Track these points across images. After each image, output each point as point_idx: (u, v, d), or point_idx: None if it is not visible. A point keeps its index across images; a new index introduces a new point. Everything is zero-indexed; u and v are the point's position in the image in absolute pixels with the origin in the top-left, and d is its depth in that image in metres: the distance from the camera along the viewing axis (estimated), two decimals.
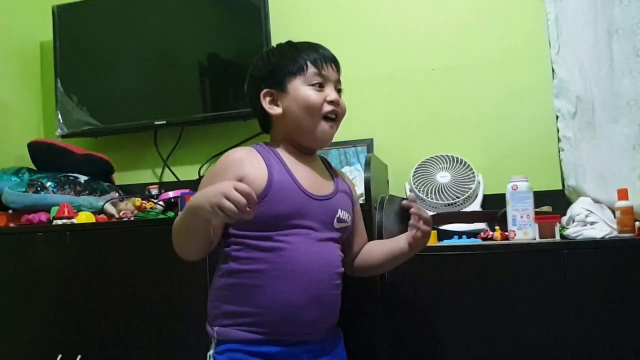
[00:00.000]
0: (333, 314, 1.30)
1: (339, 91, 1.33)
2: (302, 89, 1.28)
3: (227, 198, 1.05)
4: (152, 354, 1.68)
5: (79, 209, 1.92)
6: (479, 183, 1.88)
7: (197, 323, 1.44)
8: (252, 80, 1.36)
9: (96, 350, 1.73)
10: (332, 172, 1.39)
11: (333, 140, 2.02)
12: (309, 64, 1.29)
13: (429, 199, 1.83)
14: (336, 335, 1.35)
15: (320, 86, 1.29)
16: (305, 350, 1.24)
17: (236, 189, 1.06)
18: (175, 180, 2.27)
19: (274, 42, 2.06)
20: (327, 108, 1.29)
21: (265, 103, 1.31)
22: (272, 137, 1.37)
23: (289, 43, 1.35)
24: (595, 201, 1.70)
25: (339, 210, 1.31)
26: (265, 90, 1.31)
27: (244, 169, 1.23)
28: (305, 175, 1.29)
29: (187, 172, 2.27)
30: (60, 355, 1.74)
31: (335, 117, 1.31)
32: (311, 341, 1.25)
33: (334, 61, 1.33)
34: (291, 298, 1.21)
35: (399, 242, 1.34)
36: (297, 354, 1.23)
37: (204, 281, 1.58)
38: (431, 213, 1.80)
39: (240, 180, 1.19)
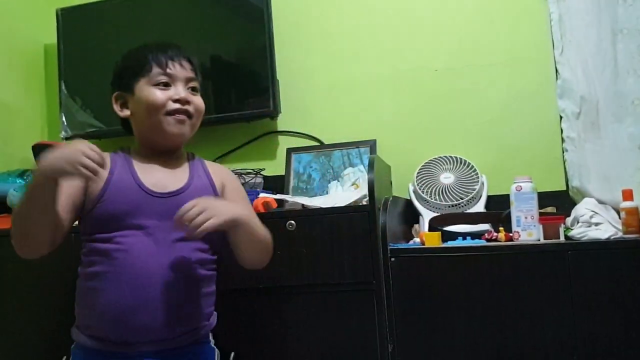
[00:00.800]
0: (176, 321, 1.22)
1: (192, 89, 1.31)
2: (145, 89, 1.27)
3: (86, 156, 1.06)
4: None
5: None
6: (482, 184, 1.87)
7: None
8: (110, 83, 1.37)
9: None
10: (193, 169, 1.35)
11: (336, 142, 2.07)
12: (153, 63, 1.28)
13: (432, 200, 1.83)
14: (195, 351, 1.27)
15: (166, 85, 1.27)
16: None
17: (89, 148, 1.08)
18: None
19: (277, 44, 2.09)
20: (173, 106, 1.27)
21: (117, 106, 1.33)
22: (134, 140, 1.38)
23: (141, 46, 1.34)
24: (600, 202, 1.69)
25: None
26: (115, 94, 1.33)
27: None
28: (151, 174, 1.28)
29: None
30: (64, 357, 1.75)
31: (186, 115, 1.29)
32: (150, 353, 1.20)
33: (183, 59, 1.30)
34: (122, 301, 1.18)
35: None
36: None
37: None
38: (435, 214, 1.80)
39: (84, 185, 1.24)
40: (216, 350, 1.34)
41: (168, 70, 1.27)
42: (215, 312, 1.36)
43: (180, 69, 1.29)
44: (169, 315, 1.20)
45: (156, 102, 1.26)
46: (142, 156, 1.32)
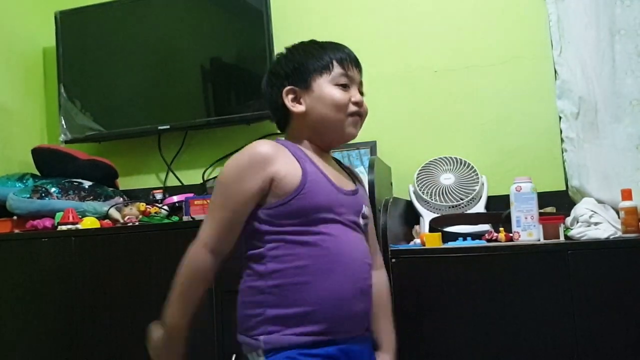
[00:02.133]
0: (370, 306, 1.26)
1: (361, 94, 1.31)
2: (327, 88, 1.25)
3: None
4: None
5: (83, 214, 1.93)
6: (482, 184, 1.88)
7: (204, 328, 1.44)
8: (273, 77, 1.31)
9: (102, 355, 1.74)
10: (346, 170, 1.37)
11: None
12: (335, 63, 1.27)
13: (433, 201, 1.84)
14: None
15: (345, 87, 1.27)
16: (362, 349, 1.22)
17: None
18: (180, 184, 2.27)
19: (277, 46, 2.09)
20: (352, 108, 1.27)
21: (288, 101, 1.26)
22: (290, 135, 1.30)
23: (314, 41, 1.33)
24: (599, 201, 1.70)
25: (364, 206, 1.30)
26: (288, 88, 1.26)
27: (274, 164, 1.18)
28: (329, 171, 1.26)
29: (191, 177, 2.27)
30: None
31: (360, 117, 1.30)
32: (361, 339, 1.22)
33: (357, 63, 1.32)
34: (342, 290, 1.16)
35: (378, 341, 1.31)
36: (355, 352, 1.19)
37: (209, 286, 1.58)
38: (436, 215, 1.81)
39: (271, 179, 1.17)
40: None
41: (349, 73, 1.28)
42: None
43: (356, 72, 1.30)
44: (370, 302, 1.24)
45: (341, 101, 1.25)
46: (312, 152, 1.28)
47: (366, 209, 1.30)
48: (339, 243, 1.19)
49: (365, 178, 1.84)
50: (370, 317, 1.25)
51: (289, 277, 1.16)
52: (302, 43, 1.32)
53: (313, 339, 1.14)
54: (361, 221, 1.27)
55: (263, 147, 1.21)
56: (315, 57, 1.27)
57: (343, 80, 1.26)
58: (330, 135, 1.28)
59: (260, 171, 1.17)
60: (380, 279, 1.34)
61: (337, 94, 1.25)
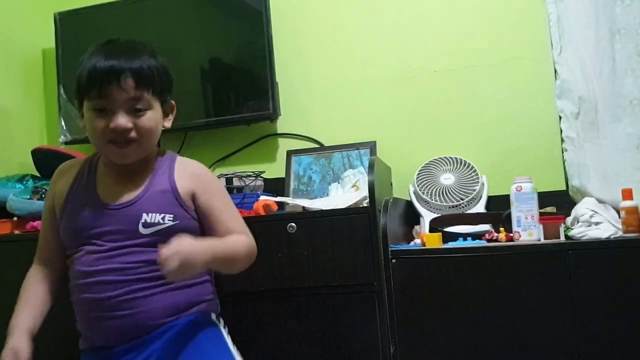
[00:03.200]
0: (142, 316, 1.22)
1: (136, 110, 1.21)
2: (87, 113, 1.23)
3: None
4: None
5: None
6: (483, 184, 1.88)
7: None
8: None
9: None
10: (156, 174, 1.30)
11: (336, 143, 2.07)
12: (90, 85, 1.19)
13: (433, 201, 1.83)
14: (177, 327, 1.24)
15: (103, 111, 1.20)
16: (128, 349, 1.22)
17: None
18: None
19: (276, 46, 2.09)
20: (110, 135, 1.21)
21: (79, 117, 1.30)
22: None
23: (94, 50, 1.24)
24: (600, 201, 1.70)
25: (144, 214, 1.23)
26: (76, 102, 1.29)
27: (55, 186, 1.32)
28: (110, 184, 1.28)
29: None
30: None
31: (126, 141, 1.22)
32: (132, 343, 1.23)
33: (125, 77, 1.19)
34: (87, 310, 1.24)
35: None
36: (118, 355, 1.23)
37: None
38: (436, 215, 1.81)
39: (53, 196, 1.32)
40: (218, 324, 1.32)
41: (105, 94, 1.19)
42: (206, 302, 1.32)
43: (117, 92, 1.19)
44: (134, 315, 1.21)
45: (94, 131, 1.23)
46: (105, 165, 1.32)
47: (152, 217, 1.23)
48: (80, 267, 1.24)
49: (365, 178, 1.84)
50: (144, 322, 1.22)
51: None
52: (90, 50, 1.25)
53: (89, 345, 1.28)
54: (144, 230, 1.23)
55: (59, 167, 1.36)
56: (80, 74, 1.22)
57: (99, 105, 1.20)
58: (104, 156, 1.31)
59: (50, 190, 1.34)
60: (239, 236, 1.29)
61: (92, 121, 1.22)
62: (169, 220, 1.24)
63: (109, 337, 1.23)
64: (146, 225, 1.23)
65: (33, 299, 1.30)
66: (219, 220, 1.31)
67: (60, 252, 1.31)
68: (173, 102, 1.35)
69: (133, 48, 1.25)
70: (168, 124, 1.33)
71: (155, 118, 1.26)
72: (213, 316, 1.33)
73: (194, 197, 1.30)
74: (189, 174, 1.32)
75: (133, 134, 1.22)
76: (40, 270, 1.34)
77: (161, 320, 1.23)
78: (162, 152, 1.36)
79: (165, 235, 1.20)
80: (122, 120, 1.20)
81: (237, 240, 1.28)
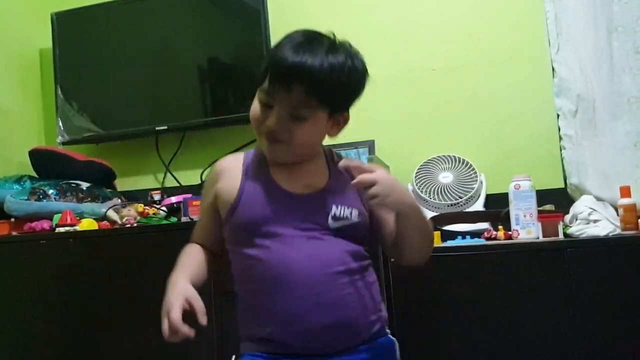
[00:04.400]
0: (349, 317, 1.11)
1: (296, 117, 1.11)
2: (256, 98, 1.16)
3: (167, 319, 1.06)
4: (155, 359, 1.68)
5: (81, 216, 1.92)
6: (481, 183, 1.88)
7: (204, 329, 1.43)
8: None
9: (101, 357, 1.73)
10: (332, 166, 1.22)
11: (334, 142, 2.06)
12: (267, 77, 1.12)
13: (431, 200, 1.83)
14: (374, 348, 1.15)
15: (268, 106, 1.13)
16: None
17: (169, 319, 1.04)
18: (178, 185, 2.27)
19: (274, 45, 2.08)
20: (265, 129, 1.14)
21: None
22: None
23: (285, 38, 1.14)
24: (598, 199, 1.70)
25: (334, 206, 1.14)
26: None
27: (218, 183, 1.20)
28: (286, 175, 1.18)
29: (189, 177, 2.26)
30: None
31: (277, 140, 1.14)
32: (333, 354, 1.11)
33: (296, 81, 1.09)
34: (292, 307, 1.09)
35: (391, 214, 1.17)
36: None
37: (209, 286, 1.58)
38: (434, 214, 1.80)
39: (214, 196, 1.20)
40: (395, 341, 1.23)
41: (273, 92, 1.11)
42: (383, 304, 1.24)
43: (283, 94, 1.10)
44: (341, 314, 1.10)
45: (254, 121, 1.16)
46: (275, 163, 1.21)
47: (341, 209, 1.15)
48: (283, 256, 1.11)
49: None
50: (350, 325, 1.11)
51: (245, 300, 1.18)
52: (283, 38, 1.15)
53: (270, 348, 1.12)
54: (333, 224, 1.14)
55: (217, 165, 1.25)
56: (265, 61, 1.15)
57: (264, 99, 1.13)
58: None
59: (210, 190, 1.22)
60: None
61: (255, 108, 1.15)
62: (355, 216, 1.15)
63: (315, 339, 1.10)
64: (335, 218, 1.14)
65: (192, 264, 1.20)
66: (387, 219, 1.19)
67: (219, 237, 1.21)
68: (348, 114, 1.22)
69: (328, 46, 1.13)
70: (334, 133, 1.21)
71: (313, 131, 1.15)
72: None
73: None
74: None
75: (285, 137, 1.13)
76: (197, 246, 1.25)
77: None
78: (328, 149, 1.28)
79: (347, 232, 1.14)
80: (273, 121, 1.12)
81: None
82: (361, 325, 1.13)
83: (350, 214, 1.15)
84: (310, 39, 1.12)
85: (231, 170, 1.21)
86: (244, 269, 1.16)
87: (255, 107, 1.15)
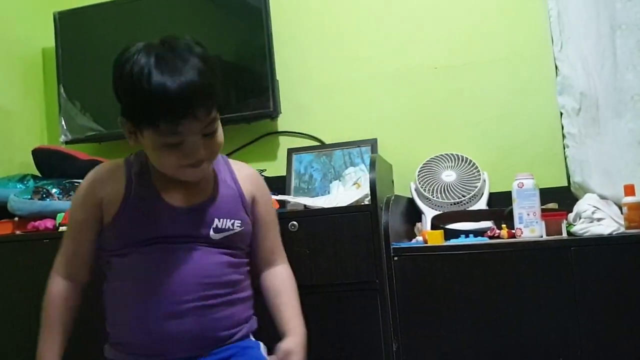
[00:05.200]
0: (211, 327, 1.17)
1: (209, 134, 1.13)
2: (155, 146, 1.12)
3: None
4: None
5: None
6: (484, 181, 1.87)
7: None
8: (114, 89, 1.19)
9: (102, 356, 1.73)
10: (219, 177, 1.26)
11: (337, 141, 2.07)
12: (161, 120, 1.07)
13: (434, 198, 1.83)
14: (233, 351, 1.20)
15: (177, 145, 1.11)
16: None
17: None
18: None
19: (276, 44, 2.08)
20: (185, 164, 1.14)
21: (125, 130, 1.18)
22: None
23: (142, 76, 1.07)
24: (602, 197, 1.69)
25: (216, 219, 1.21)
26: (120, 118, 1.18)
27: (102, 191, 1.21)
28: (172, 188, 1.20)
29: None
30: None
31: (200, 164, 1.16)
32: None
33: (198, 107, 1.08)
34: (149, 316, 1.15)
35: (284, 330, 1.26)
36: None
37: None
38: (437, 212, 1.80)
39: (99, 203, 1.21)
40: (260, 343, 1.29)
41: (179, 129, 1.09)
42: (254, 316, 1.31)
43: (192, 124, 1.09)
44: (202, 323, 1.16)
45: (165, 167, 1.16)
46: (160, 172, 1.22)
47: (224, 222, 1.21)
48: (153, 266, 1.16)
49: (366, 176, 1.84)
50: (209, 335, 1.17)
51: (113, 296, 1.22)
52: (136, 72, 1.09)
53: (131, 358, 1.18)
54: (214, 236, 1.20)
55: (95, 173, 1.25)
56: (140, 103, 1.08)
57: (172, 141, 1.10)
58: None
59: (88, 201, 1.22)
60: (276, 276, 1.33)
61: (162, 157, 1.13)
62: (237, 226, 1.24)
63: (169, 345, 1.15)
64: (217, 230, 1.21)
65: (58, 323, 1.24)
66: (267, 235, 1.32)
67: (90, 262, 1.26)
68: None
69: (190, 62, 1.10)
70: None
71: (221, 132, 1.20)
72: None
73: (253, 202, 1.29)
74: (247, 176, 1.31)
75: (209, 154, 1.17)
76: (64, 287, 1.26)
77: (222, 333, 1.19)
78: None
79: (230, 240, 1.22)
80: (202, 153, 1.13)
81: (291, 283, 1.34)
82: (218, 338, 1.18)
83: (232, 225, 1.22)
84: (162, 57, 1.09)
85: (113, 177, 1.22)
86: (119, 272, 1.20)
87: (162, 154, 1.13)
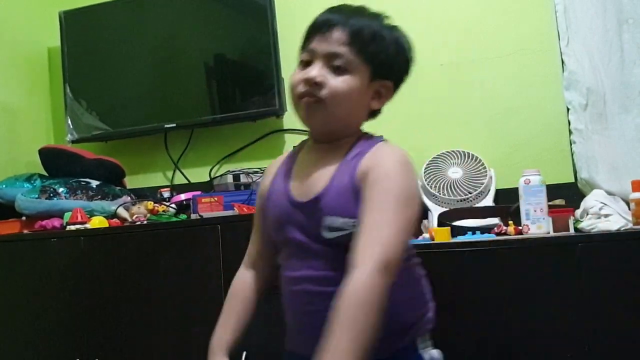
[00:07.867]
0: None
1: (336, 68, 1.03)
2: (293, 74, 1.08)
3: None
4: (167, 357, 1.69)
5: (91, 214, 1.93)
6: (491, 178, 1.87)
7: (212, 326, 1.43)
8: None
9: (112, 354, 1.74)
10: (341, 162, 1.06)
11: None
12: (305, 34, 1.08)
13: (441, 195, 1.83)
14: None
15: (307, 64, 1.05)
16: None
17: None
18: (187, 182, 2.27)
19: (281, 42, 2.08)
20: (300, 89, 1.04)
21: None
22: None
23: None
24: (609, 193, 1.69)
25: (328, 217, 1.00)
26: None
27: (262, 183, 1.18)
28: (303, 175, 1.08)
29: (198, 174, 2.27)
30: None
31: (313, 97, 1.03)
32: None
33: (336, 28, 1.04)
34: (290, 320, 1.11)
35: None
36: None
37: (218, 284, 1.58)
38: (444, 209, 1.80)
39: (259, 195, 1.17)
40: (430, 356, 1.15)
41: (310, 45, 1.05)
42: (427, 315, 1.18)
43: (321, 43, 1.04)
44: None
45: (291, 84, 1.07)
46: (307, 149, 1.12)
47: (335, 220, 1.00)
48: (283, 272, 1.09)
49: None
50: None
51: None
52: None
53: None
54: (328, 235, 1.00)
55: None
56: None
57: (303, 57, 1.07)
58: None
59: (259, 190, 1.19)
60: (346, 288, 0.93)
61: (292, 78, 1.07)
62: (352, 225, 0.98)
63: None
64: (331, 228, 1.01)
65: (236, 310, 1.17)
66: (360, 231, 0.97)
67: (266, 255, 1.16)
68: (390, 83, 1.14)
69: (364, 11, 1.11)
70: (376, 105, 1.12)
71: (352, 85, 1.04)
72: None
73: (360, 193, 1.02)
74: (372, 163, 1.04)
75: (324, 92, 1.02)
76: (246, 275, 1.18)
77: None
78: (368, 135, 1.14)
79: (346, 241, 0.98)
80: (314, 70, 1.03)
81: (349, 309, 0.92)
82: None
83: (348, 223, 0.99)
84: (346, 6, 1.10)
85: (270, 168, 1.18)
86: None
87: (294, 74, 1.07)
